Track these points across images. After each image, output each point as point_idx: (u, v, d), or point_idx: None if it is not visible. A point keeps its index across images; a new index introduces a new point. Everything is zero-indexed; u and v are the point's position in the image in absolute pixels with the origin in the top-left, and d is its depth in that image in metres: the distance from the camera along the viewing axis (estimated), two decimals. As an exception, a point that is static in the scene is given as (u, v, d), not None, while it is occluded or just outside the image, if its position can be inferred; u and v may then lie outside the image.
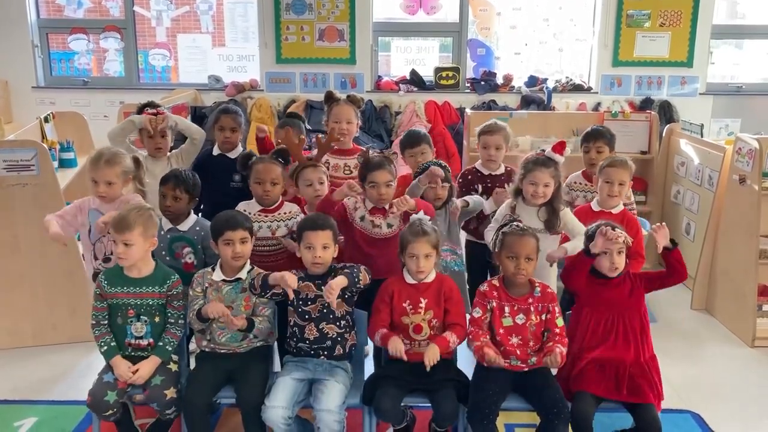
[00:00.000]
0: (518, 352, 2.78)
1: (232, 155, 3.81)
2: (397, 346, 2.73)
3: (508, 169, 3.78)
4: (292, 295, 2.75)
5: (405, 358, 2.72)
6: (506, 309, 2.82)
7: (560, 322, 2.83)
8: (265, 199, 3.22)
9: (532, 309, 2.81)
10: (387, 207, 3.19)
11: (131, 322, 2.82)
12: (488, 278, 3.19)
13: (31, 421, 3.26)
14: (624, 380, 2.76)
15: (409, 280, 2.89)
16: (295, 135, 3.54)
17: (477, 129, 3.90)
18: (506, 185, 3.69)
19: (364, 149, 3.50)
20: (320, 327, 2.83)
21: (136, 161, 3.37)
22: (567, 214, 3.31)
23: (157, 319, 2.85)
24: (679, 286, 5.00)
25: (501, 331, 2.80)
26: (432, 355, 2.69)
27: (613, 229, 2.82)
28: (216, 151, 3.90)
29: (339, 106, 3.72)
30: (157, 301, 2.85)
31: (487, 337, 2.79)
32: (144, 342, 2.84)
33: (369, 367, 3.28)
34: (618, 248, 2.81)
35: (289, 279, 2.73)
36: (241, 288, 2.87)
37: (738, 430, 3.25)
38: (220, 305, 2.77)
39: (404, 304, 2.84)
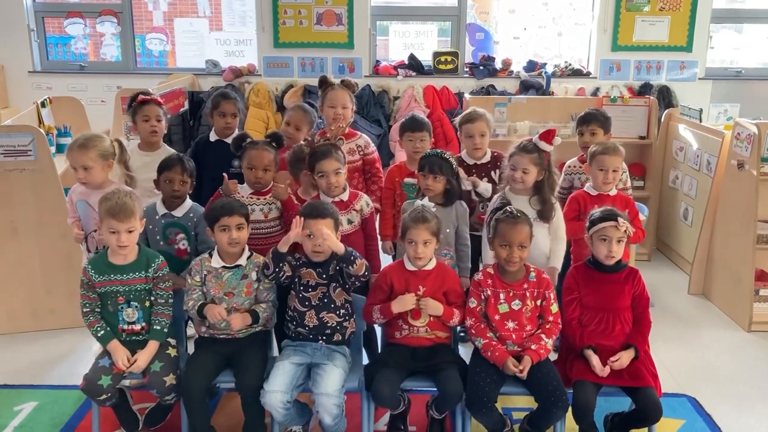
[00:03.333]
0: (514, 336, 2.79)
1: (230, 140, 3.80)
2: (404, 301, 2.77)
3: (495, 154, 3.70)
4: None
5: (414, 303, 2.78)
6: (501, 296, 2.82)
7: (555, 308, 2.84)
8: (257, 185, 3.21)
9: (527, 294, 2.82)
10: (346, 199, 3.19)
11: (122, 308, 2.80)
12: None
13: (31, 405, 3.27)
14: (621, 368, 2.77)
15: (409, 266, 2.88)
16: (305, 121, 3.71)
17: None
18: (492, 172, 3.65)
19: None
20: (320, 315, 2.84)
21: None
22: (558, 213, 3.28)
23: (147, 304, 2.84)
24: (677, 271, 5.07)
25: (497, 317, 2.81)
26: (432, 305, 2.78)
27: (617, 218, 2.81)
28: (213, 137, 3.88)
29: (334, 91, 3.70)
30: (145, 286, 2.83)
31: (488, 332, 2.80)
32: (137, 326, 2.83)
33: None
34: (618, 237, 2.81)
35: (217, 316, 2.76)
36: (242, 274, 2.86)
37: (734, 414, 3.26)
38: (221, 310, 2.77)
39: (404, 292, 2.84)
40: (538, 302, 2.83)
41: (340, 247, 2.76)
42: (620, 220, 2.80)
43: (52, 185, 3.88)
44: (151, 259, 2.84)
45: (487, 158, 3.70)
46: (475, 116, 3.67)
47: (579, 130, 4.01)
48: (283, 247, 2.79)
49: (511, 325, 2.80)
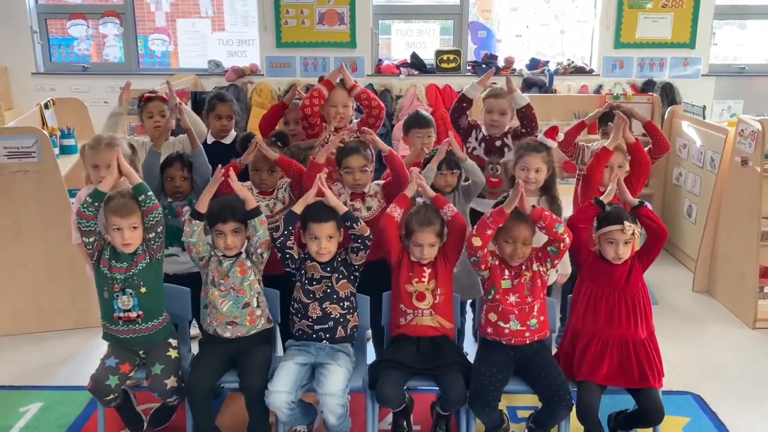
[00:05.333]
0: (516, 311, 2.79)
1: (227, 141, 3.85)
2: (410, 186, 2.90)
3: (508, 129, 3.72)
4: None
5: (428, 188, 2.94)
6: (506, 272, 2.84)
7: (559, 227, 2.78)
8: (262, 186, 3.24)
9: (523, 267, 2.84)
10: (365, 191, 3.22)
11: (117, 296, 2.79)
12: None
13: (36, 406, 3.29)
14: (627, 364, 2.76)
15: (412, 258, 2.91)
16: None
17: (483, 93, 3.79)
18: (504, 139, 3.68)
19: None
20: (323, 306, 2.85)
21: (132, 147, 3.34)
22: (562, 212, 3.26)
23: (142, 290, 2.81)
24: (680, 268, 5.06)
25: (501, 289, 2.82)
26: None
27: (623, 221, 2.77)
28: (210, 140, 3.90)
29: (334, 91, 3.71)
30: (142, 264, 2.81)
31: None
32: (133, 314, 2.81)
33: (371, 351, 3.29)
34: (625, 239, 2.79)
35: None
36: (238, 262, 2.87)
37: (739, 411, 3.26)
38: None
39: (408, 273, 2.87)
40: (534, 266, 2.84)
41: (341, 206, 2.85)
42: (626, 223, 2.77)
43: (55, 187, 3.89)
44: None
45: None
46: (500, 93, 3.69)
47: (603, 129, 3.97)
48: (298, 208, 2.85)
49: (512, 298, 2.81)
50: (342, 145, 3.18)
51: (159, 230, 2.84)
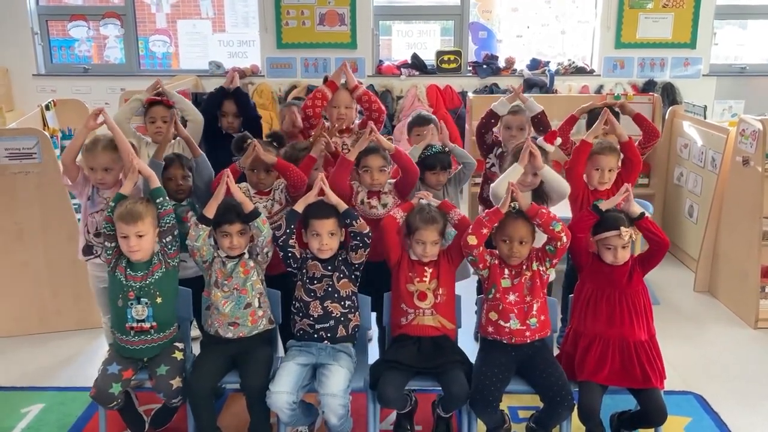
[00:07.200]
0: (515, 310, 2.79)
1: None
2: (415, 198, 2.96)
3: None
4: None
5: (434, 201, 2.93)
6: (506, 271, 2.84)
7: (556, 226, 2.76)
8: (260, 185, 3.25)
9: (524, 267, 2.84)
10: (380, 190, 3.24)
11: (131, 304, 2.79)
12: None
13: (38, 407, 3.28)
14: (629, 365, 2.76)
15: (413, 257, 2.91)
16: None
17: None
18: None
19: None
20: (324, 305, 2.86)
21: (132, 147, 3.34)
22: (549, 173, 3.20)
23: (158, 300, 2.82)
24: (682, 268, 5.05)
25: (501, 288, 2.82)
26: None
27: (619, 227, 2.77)
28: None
29: (337, 92, 3.73)
30: (158, 274, 2.82)
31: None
32: (146, 325, 2.81)
33: (373, 351, 3.29)
34: (622, 245, 2.80)
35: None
36: (241, 262, 2.88)
37: (741, 411, 3.25)
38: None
39: (409, 273, 2.88)
40: (534, 265, 2.83)
41: (342, 204, 2.87)
42: (623, 229, 2.77)
43: (56, 188, 3.89)
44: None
45: None
46: (518, 110, 3.79)
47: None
48: (300, 207, 2.87)
49: (512, 297, 2.81)
50: (369, 144, 3.19)
51: (175, 233, 2.86)
